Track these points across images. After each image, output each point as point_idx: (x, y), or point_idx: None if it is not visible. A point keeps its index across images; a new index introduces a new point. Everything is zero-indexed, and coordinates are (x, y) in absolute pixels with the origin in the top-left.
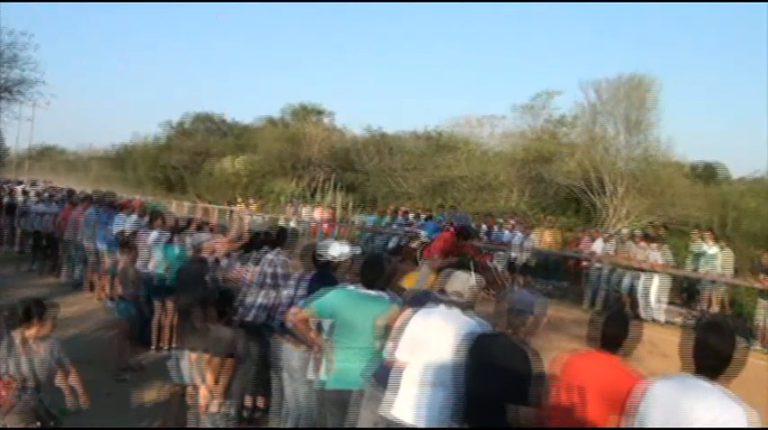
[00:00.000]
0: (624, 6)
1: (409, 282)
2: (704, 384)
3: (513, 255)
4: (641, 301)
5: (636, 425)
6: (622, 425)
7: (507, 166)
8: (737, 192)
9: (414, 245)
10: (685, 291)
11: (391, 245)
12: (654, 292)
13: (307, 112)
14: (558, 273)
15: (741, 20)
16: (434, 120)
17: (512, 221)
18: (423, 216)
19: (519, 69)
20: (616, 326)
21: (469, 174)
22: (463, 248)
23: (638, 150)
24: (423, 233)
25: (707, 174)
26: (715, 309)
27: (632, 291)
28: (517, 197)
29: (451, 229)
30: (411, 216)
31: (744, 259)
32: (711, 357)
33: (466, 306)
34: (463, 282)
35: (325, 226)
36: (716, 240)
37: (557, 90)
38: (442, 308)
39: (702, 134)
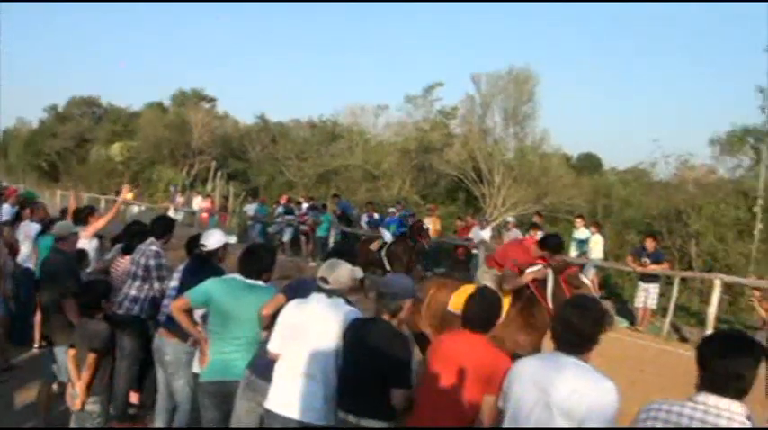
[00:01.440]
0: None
1: (458, 300)
2: (569, 359)
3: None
4: None
5: (502, 402)
6: (499, 404)
7: (396, 156)
8: (612, 181)
9: (373, 246)
10: None
11: (286, 237)
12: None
13: (192, 98)
14: (438, 261)
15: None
16: (327, 110)
17: (392, 209)
18: (305, 205)
19: (411, 61)
20: (484, 307)
21: (358, 163)
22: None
23: (517, 141)
24: (386, 233)
25: (586, 164)
26: (596, 292)
27: None
28: (408, 186)
29: (532, 236)
30: (305, 206)
31: (616, 244)
32: (573, 334)
33: (346, 295)
34: (346, 271)
35: (204, 215)
36: (588, 226)
37: (439, 82)
38: (321, 297)
39: (583, 127)
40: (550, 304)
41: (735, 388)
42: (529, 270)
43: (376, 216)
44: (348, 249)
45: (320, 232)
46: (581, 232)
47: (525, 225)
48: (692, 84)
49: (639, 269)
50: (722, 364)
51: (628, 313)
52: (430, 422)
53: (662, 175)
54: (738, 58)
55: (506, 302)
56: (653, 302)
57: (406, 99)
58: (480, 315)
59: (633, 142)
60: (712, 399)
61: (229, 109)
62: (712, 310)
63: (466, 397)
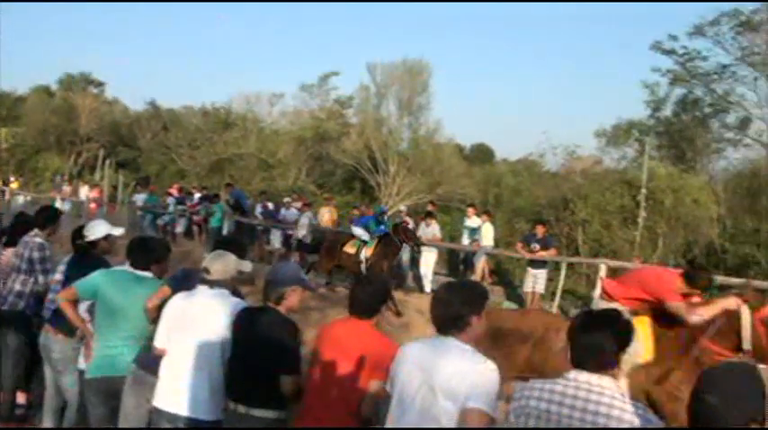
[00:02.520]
0: None
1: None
2: (451, 342)
3: (290, 232)
4: (422, 274)
5: (389, 386)
6: (387, 388)
7: (292, 145)
8: (503, 172)
9: (349, 248)
10: (462, 263)
11: (179, 229)
12: (425, 265)
13: (80, 82)
14: None
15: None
16: (220, 97)
17: (287, 199)
18: (197, 195)
19: (307, 49)
20: (370, 293)
21: (253, 152)
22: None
23: (412, 132)
24: (360, 232)
25: (479, 154)
26: (487, 279)
27: (412, 265)
28: (304, 176)
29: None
30: (196, 196)
31: (506, 232)
32: (446, 315)
33: (231, 287)
34: (229, 262)
35: (92, 205)
36: (479, 215)
37: (335, 71)
38: (205, 288)
39: (476, 118)
40: (747, 346)
41: (594, 361)
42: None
43: (270, 206)
44: (235, 240)
45: (213, 223)
46: (473, 221)
47: (420, 214)
48: (579, 78)
49: (529, 255)
50: (582, 338)
51: (518, 298)
52: (319, 409)
53: (551, 166)
54: (625, 55)
55: (647, 337)
56: (541, 287)
57: (301, 88)
58: (366, 301)
59: (524, 134)
60: (583, 376)
61: (119, 94)
62: (598, 294)
63: (354, 382)
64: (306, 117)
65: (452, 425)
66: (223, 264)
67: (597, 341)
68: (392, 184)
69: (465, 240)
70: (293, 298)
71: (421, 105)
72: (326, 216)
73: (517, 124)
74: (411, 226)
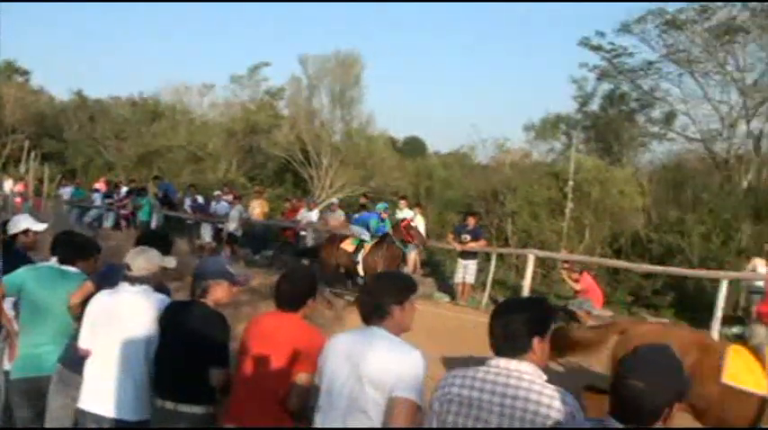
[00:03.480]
0: None
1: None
2: (379, 332)
3: (221, 225)
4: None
5: (317, 378)
6: (315, 380)
7: (222, 137)
8: (435, 164)
9: (347, 246)
10: None
11: (107, 223)
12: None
13: (4, 70)
14: (265, 243)
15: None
16: (149, 87)
17: (217, 192)
18: (125, 188)
19: (238, 39)
20: (296, 285)
21: (182, 144)
22: None
23: (344, 124)
24: (359, 230)
25: (411, 147)
26: (419, 271)
27: None
28: (235, 168)
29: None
30: (124, 190)
31: (437, 224)
32: (370, 305)
33: (155, 283)
34: (151, 258)
35: (18, 200)
36: (411, 207)
37: (265, 61)
38: (126, 286)
39: (409, 111)
40: None
41: (509, 346)
42: None
43: (200, 199)
44: (159, 235)
45: (142, 217)
46: (404, 213)
47: (353, 206)
48: (509, 72)
49: (459, 247)
50: (497, 325)
51: (449, 289)
52: (247, 403)
53: (481, 159)
54: (553, 50)
55: None
56: (471, 278)
57: (231, 78)
58: (292, 294)
59: (456, 127)
60: (503, 362)
61: (44, 83)
62: (527, 283)
63: (282, 375)
64: (236, 108)
65: (380, 415)
66: (145, 260)
67: (511, 327)
68: (325, 177)
69: None
70: (218, 291)
71: (353, 98)
72: (258, 209)
73: (449, 118)
74: (414, 223)
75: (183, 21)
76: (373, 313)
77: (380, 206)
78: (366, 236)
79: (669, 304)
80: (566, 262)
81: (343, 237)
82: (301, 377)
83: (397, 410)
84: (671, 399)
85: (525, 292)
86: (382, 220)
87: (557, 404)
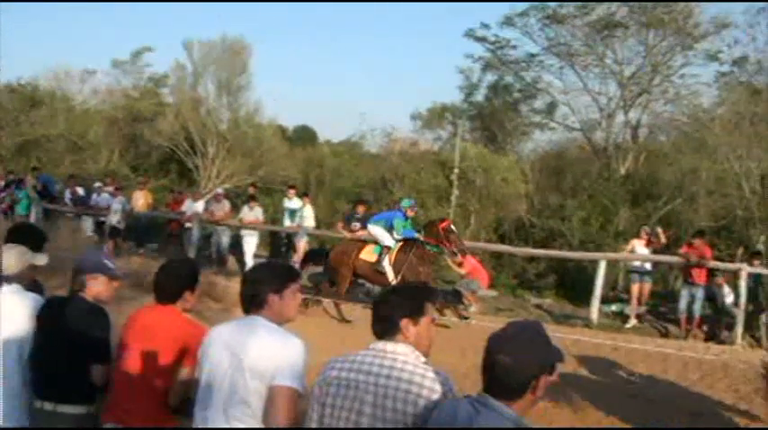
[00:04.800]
0: None
1: None
2: (259, 321)
3: (103, 218)
4: (245, 258)
5: (198, 371)
6: (196, 373)
7: (104, 126)
8: (325, 153)
9: (367, 256)
10: (285, 245)
11: None
12: (247, 249)
13: None
14: (150, 236)
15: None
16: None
17: (98, 184)
18: (2, 181)
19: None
20: (172, 277)
21: (62, 133)
22: None
23: (231, 112)
24: (380, 234)
25: (302, 136)
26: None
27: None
28: (117, 158)
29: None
30: (1, 183)
31: (328, 212)
32: (248, 294)
33: (27, 281)
34: (19, 256)
35: None
36: (300, 196)
37: (148, 46)
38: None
39: (299, 100)
40: None
41: (382, 329)
42: None
43: (81, 191)
44: (30, 230)
45: (20, 210)
46: (293, 202)
47: (241, 196)
48: (396, 61)
49: (350, 235)
50: (375, 310)
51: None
52: (127, 400)
53: (371, 147)
54: (439, 41)
55: None
56: None
57: (113, 64)
58: (169, 286)
59: (346, 116)
60: (380, 344)
61: None
62: None
63: (162, 371)
64: (119, 96)
65: (262, 405)
66: (13, 258)
67: (382, 310)
68: (211, 166)
69: (286, 221)
70: (95, 286)
71: (240, 86)
72: (141, 201)
73: (339, 106)
74: (452, 226)
75: (63, 1)
76: (251, 302)
77: (406, 203)
78: (390, 241)
79: (551, 285)
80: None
81: (361, 246)
82: (182, 371)
83: (278, 398)
84: (538, 373)
85: None
86: (406, 219)
87: (428, 383)
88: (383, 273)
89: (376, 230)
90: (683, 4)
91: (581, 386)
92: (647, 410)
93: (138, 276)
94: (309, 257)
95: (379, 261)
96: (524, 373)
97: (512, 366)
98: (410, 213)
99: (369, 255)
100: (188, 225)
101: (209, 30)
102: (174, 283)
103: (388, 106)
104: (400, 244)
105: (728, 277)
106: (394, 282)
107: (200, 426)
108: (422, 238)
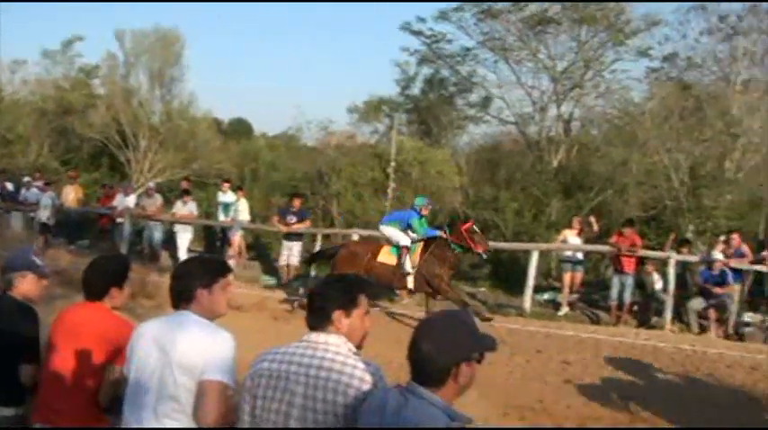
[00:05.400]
0: None
1: None
2: (188, 316)
3: (32, 214)
4: (178, 253)
5: (126, 366)
6: (125, 371)
7: (33, 118)
8: (260, 146)
9: (386, 258)
10: (219, 240)
11: None
12: (180, 244)
13: None
14: (81, 232)
15: None
16: None
17: (27, 178)
18: None
19: (53, 11)
20: (98, 273)
21: None
22: None
23: (164, 105)
24: (396, 235)
25: (237, 129)
26: (244, 254)
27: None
28: (47, 152)
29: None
30: None
31: (263, 206)
32: (176, 289)
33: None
34: None
35: None
36: (234, 190)
37: (79, 35)
38: None
39: (234, 92)
40: None
41: (315, 320)
42: None
43: (10, 186)
44: None
45: None
46: (228, 196)
47: (175, 191)
48: (333, 54)
49: (285, 228)
50: (309, 301)
51: (275, 271)
52: (56, 401)
53: (308, 141)
54: (376, 34)
55: None
56: (296, 259)
57: (43, 54)
58: (95, 282)
59: (283, 109)
60: (313, 336)
61: None
62: None
63: (91, 370)
64: (48, 87)
65: (191, 401)
66: None
67: (316, 302)
68: (143, 160)
69: (221, 216)
70: (24, 284)
71: (174, 77)
72: (71, 195)
73: (276, 99)
74: (475, 227)
75: None
76: (180, 297)
77: (420, 201)
78: (406, 241)
79: (486, 276)
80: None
81: (374, 248)
82: (111, 370)
83: (207, 393)
84: (459, 361)
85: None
86: (421, 217)
87: (359, 373)
88: (403, 276)
89: (390, 231)
90: (613, 3)
91: (517, 373)
92: (580, 395)
93: (68, 274)
94: (317, 258)
95: (400, 263)
96: (444, 361)
97: (432, 354)
98: (425, 212)
99: (387, 257)
100: (119, 220)
101: (142, 19)
102: (101, 280)
103: (324, 99)
104: (422, 244)
105: (657, 265)
106: (411, 286)
107: (129, 424)
108: (448, 238)
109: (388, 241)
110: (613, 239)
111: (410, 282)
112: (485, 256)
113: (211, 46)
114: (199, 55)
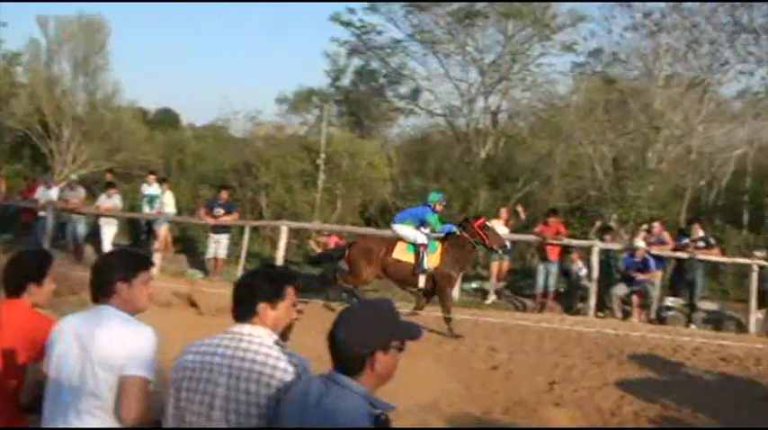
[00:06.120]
0: None
1: None
2: (109, 311)
3: None
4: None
5: (46, 363)
6: (43, 368)
7: None
8: (187, 137)
9: (401, 254)
10: (145, 233)
11: None
12: (107, 237)
13: None
14: (3, 226)
15: None
16: None
17: None
18: None
19: None
20: (15, 268)
21: None
22: None
23: (88, 94)
24: (412, 234)
25: (164, 119)
26: (170, 247)
27: (91, 237)
28: None
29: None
30: None
31: (190, 199)
32: (95, 283)
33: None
34: None
35: None
36: (160, 182)
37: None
38: None
39: (161, 82)
40: None
41: (239, 311)
42: None
43: None
44: None
45: None
46: (153, 188)
47: (99, 183)
48: (261, 43)
49: (212, 221)
50: (234, 293)
51: (202, 265)
52: None
53: (236, 132)
54: (306, 24)
55: None
56: (223, 252)
57: None
58: (13, 278)
59: (211, 99)
60: (237, 327)
61: None
62: (280, 254)
63: (10, 368)
64: None
65: (112, 397)
66: None
67: (243, 294)
68: (66, 151)
69: (146, 208)
70: None
71: (98, 65)
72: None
73: (204, 89)
74: (488, 222)
75: None
76: (100, 291)
77: (434, 197)
78: (423, 239)
79: None
80: (319, 232)
81: (389, 244)
82: (33, 369)
83: (129, 389)
84: (373, 348)
85: (279, 263)
86: (435, 213)
87: (282, 364)
88: (416, 275)
89: (405, 230)
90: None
91: (445, 360)
92: (506, 381)
93: None
94: (322, 260)
95: (419, 262)
96: (358, 349)
97: (347, 342)
98: (439, 208)
99: (403, 254)
100: (42, 214)
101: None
102: (17, 276)
103: (253, 89)
104: (441, 245)
105: (582, 253)
106: (422, 285)
107: (50, 423)
108: (463, 235)
109: (399, 238)
110: (539, 229)
111: (422, 281)
112: (499, 252)
113: (137, 34)
114: (124, 43)
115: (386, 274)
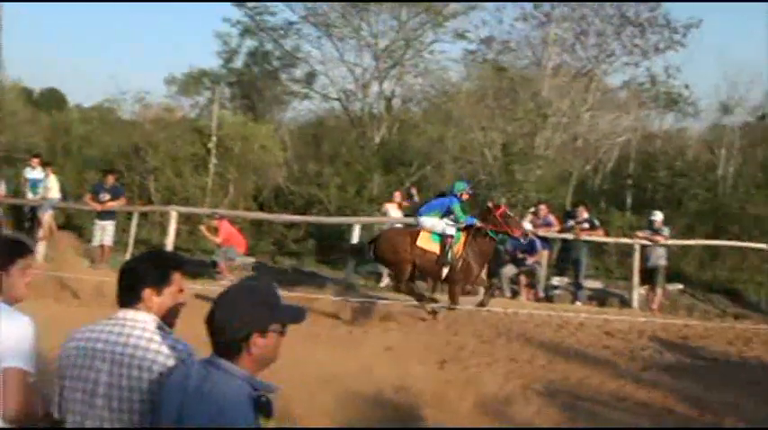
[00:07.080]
0: None
1: None
2: None
3: None
4: None
5: None
6: None
7: None
8: (73, 119)
9: (425, 243)
10: (29, 221)
11: None
12: None
13: None
14: None
15: None
16: None
17: None
18: None
19: None
20: None
21: None
22: None
23: None
24: (437, 224)
25: (49, 100)
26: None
27: None
28: None
29: None
30: None
31: (76, 183)
32: None
33: None
34: None
35: None
36: (44, 166)
37: None
38: None
39: (46, 60)
40: None
41: (124, 297)
42: None
43: None
44: None
45: None
46: (37, 172)
47: None
48: (150, 22)
49: (99, 207)
50: (119, 278)
51: (88, 253)
52: None
53: (124, 113)
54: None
55: None
56: (110, 239)
57: None
58: None
59: (98, 79)
60: (122, 313)
61: None
62: (170, 240)
63: None
64: None
65: None
66: None
67: (125, 279)
68: None
69: (29, 194)
70: None
71: None
72: None
73: (91, 69)
74: (509, 211)
75: None
76: None
77: (460, 186)
78: (452, 230)
79: (310, 251)
80: (209, 217)
81: (413, 233)
82: None
83: (7, 381)
84: (248, 331)
85: (169, 249)
86: (461, 202)
87: (165, 350)
88: (446, 264)
89: (432, 222)
90: None
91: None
92: (396, 360)
93: None
94: (356, 252)
95: (444, 253)
96: (233, 331)
97: (222, 324)
98: (465, 197)
99: (428, 243)
100: None
101: None
102: None
103: (143, 69)
104: (464, 235)
105: None
106: (444, 277)
107: None
108: (483, 226)
109: (424, 228)
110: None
111: (444, 273)
112: (522, 241)
113: (22, 8)
114: (7, 18)
115: (417, 267)
